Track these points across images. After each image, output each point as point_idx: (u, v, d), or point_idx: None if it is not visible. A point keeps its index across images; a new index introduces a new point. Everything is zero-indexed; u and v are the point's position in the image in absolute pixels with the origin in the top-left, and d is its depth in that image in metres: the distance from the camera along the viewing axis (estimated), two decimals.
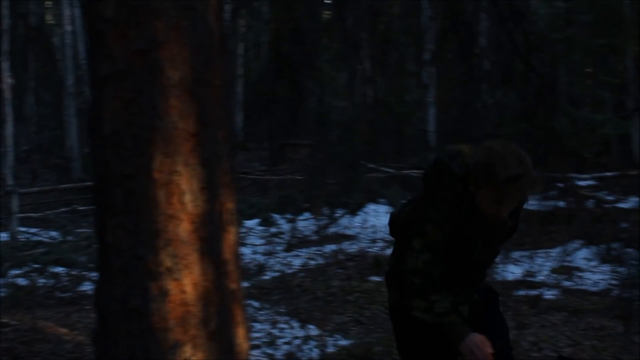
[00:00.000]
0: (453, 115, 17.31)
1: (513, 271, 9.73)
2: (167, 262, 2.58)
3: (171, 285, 2.59)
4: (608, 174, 14.47)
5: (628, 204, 12.70)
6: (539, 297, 8.56)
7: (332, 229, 12.56)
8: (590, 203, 12.60)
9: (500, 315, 4.09)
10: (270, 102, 19.83)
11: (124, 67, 2.57)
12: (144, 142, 2.56)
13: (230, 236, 2.81)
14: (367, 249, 11.21)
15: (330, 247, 11.27)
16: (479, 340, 3.55)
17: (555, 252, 10.57)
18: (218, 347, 2.68)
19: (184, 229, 2.60)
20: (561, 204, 12.51)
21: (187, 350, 2.61)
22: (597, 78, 12.98)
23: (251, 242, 11.83)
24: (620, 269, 9.36)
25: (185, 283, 2.60)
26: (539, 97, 7.14)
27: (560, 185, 12.95)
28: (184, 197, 2.59)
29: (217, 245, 2.71)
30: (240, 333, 2.80)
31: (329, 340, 7.40)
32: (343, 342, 7.37)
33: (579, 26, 13.23)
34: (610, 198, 13.28)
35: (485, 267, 3.92)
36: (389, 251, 11.06)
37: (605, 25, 13.38)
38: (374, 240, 11.78)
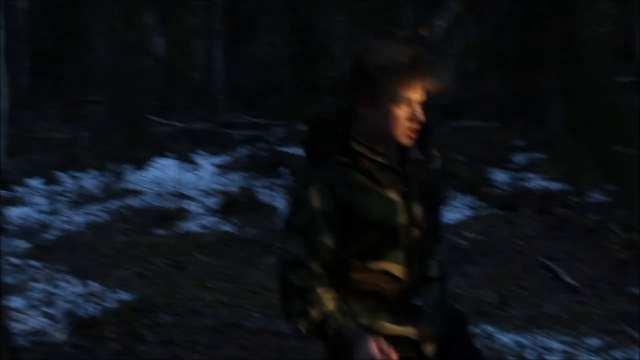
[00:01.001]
0: (240, 68, 17.25)
1: None
2: None
3: None
4: None
5: None
6: None
7: (118, 185, 12.27)
8: None
9: (471, 344, 2.85)
10: (55, 59, 19.06)
11: None
12: None
13: None
14: (153, 203, 11.04)
15: (116, 203, 11.02)
16: (376, 346, 2.39)
17: None
18: None
19: None
20: None
21: None
22: (378, 28, 13.29)
23: (36, 201, 11.36)
24: None
25: None
26: (305, 46, 7.20)
27: None
28: None
29: None
30: None
31: (111, 296, 7.24)
32: (125, 297, 7.24)
33: None
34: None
35: (425, 250, 2.64)
36: (173, 205, 11.04)
37: None
38: (160, 195, 11.61)
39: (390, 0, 14.18)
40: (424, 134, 2.64)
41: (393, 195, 2.58)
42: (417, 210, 2.60)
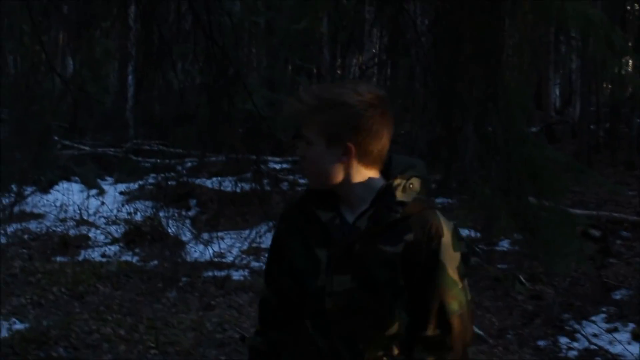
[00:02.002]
0: (152, 94, 16.99)
1: (202, 252, 9.67)
2: None
3: None
4: None
5: None
6: (226, 278, 8.55)
7: (19, 207, 11.86)
8: (283, 185, 12.87)
9: None
10: None
11: None
12: None
13: None
14: (54, 229, 10.71)
15: (15, 226, 10.65)
16: None
17: (246, 233, 10.65)
18: None
19: None
20: (255, 185, 12.64)
21: None
22: (295, 63, 13.26)
23: None
24: None
25: None
26: (221, 75, 7.05)
27: (256, 167, 13.09)
28: None
29: None
30: None
31: (4, 324, 6.92)
32: (19, 326, 6.93)
33: (278, 10, 13.45)
34: (303, 181, 13.63)
35: (352, 331, 2.17)
36: (74, 231, 10.72)
37: (303, 10, 13.68)
38: (63, 220, 11.28)
39: (309, 38, 14.20)
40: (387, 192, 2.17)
41: (320, 253, 2.21)
42: (338, 281, 2.18)
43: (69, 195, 12.74)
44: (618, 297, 8.12)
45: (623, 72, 7.01)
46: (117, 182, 14.34)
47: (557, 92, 20.44)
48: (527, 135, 6.36)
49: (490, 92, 5.71)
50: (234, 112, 11.36)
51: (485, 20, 6.35)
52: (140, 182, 13.94)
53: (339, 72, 15.90)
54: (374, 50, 16.18)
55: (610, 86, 22.11)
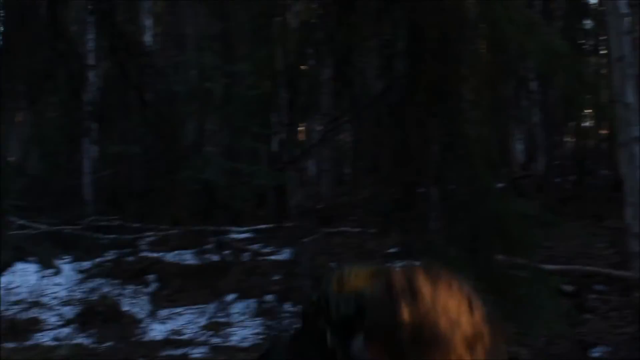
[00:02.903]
0: (110, 169, 16.64)
1: (160, 330, 9.19)
2: None
3: None
4: (263, 226, 14.46)
5: (282, 255, 12.71)
6: (185, 357, 8.08)
7: None
8: (245, 256, 12.47)
9: None
10: None
11: None
12: None
13: None
14: (4, 313, 10.17)
15: None
16: None
17: (207, 307, 10.20)
18: None
19: None
20: (217, 257, 12.26)
21: None
22: (252, 129, 12.99)
23: None
24: (269, 323, 9.14)
25: None
26: (174, 146, 6.76)
27: (216, 238, 12.74)
28: None
29: None
30: None
31: None
32: None
33: (234, 77, 13.22)
34: (266, 250, 13.24)
35: None
36: (25, 314, 10.20)
37: (260, 76, 13.52)
38: (15, 302, 10.74)
39: (264, 103, 13.96)
40: None
41: None
42: None
43: (23, 276, 12.22)
44: (597, 354, 7.75)
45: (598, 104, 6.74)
46: (75, 260, 13.85)
47: (521, 147, 20.32)
48: (492, 189, 6.04)
49: (448, 142, 5.40)
50: (190, 183, 11.06)
51: (442, 76, 6.11)
52: (99, 259, 13.46)
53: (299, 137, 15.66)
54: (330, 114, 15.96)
55: (574, 139, 22.12)
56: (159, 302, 10.81)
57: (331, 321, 1.88)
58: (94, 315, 9.87)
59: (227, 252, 12.55)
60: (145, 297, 10.96)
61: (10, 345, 8.92)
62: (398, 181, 6.75)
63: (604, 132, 21.00)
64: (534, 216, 6.25)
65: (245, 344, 8.82)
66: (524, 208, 6.27)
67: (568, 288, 9.40)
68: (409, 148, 5.92)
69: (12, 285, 11.85)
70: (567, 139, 22.32)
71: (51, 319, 10.05)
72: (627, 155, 9.62)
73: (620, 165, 10.28)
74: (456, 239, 6.03)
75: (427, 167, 5.91)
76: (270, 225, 14.50)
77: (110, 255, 13.51)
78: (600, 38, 20.58)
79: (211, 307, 10.18)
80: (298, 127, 16.13)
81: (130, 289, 11.19)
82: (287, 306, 9.71)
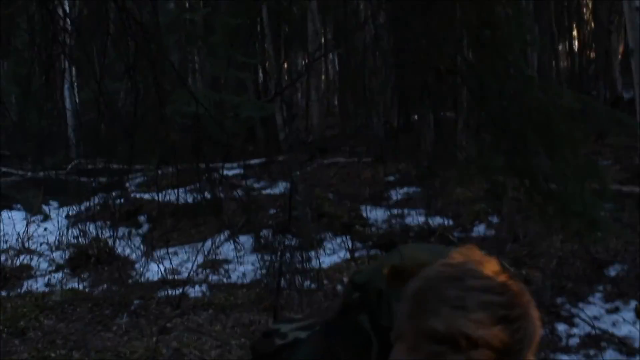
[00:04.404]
0: (93, 109, 16.12)
1: (155, 270, 8.84)
2: None
3: None
4: (255, 161, 14.06)
5: (277, 189, 12.36)
6: (183, 297, 7.73)
7: None
8: (238, 192, 12.08)
9: None
10: None
11: None
12: None
13: None
14: None
15: None
16: None
17: (202, 245, 9.84)
18: None
19: None
20: (209, 195, 11.87)
21: None
22: (236, 59, 12.46)
23: None
24: (268, 257, 8.78)
25: None
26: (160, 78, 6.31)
27: (208, 175, 12.33)
28: None
29: None
30: None
31: None
32: None
33: (215, 7, 12.70)
34: (259, 185, 12.88)
35: None
36: (15, 262, 9.82)
37: (241, 4, 12.96)
38: (4, 250, 10.37)
39: (249, 33, 13.43)
40: None
41: None
42: None
43: (10, 224, 11.83)
44: (613, 273, 7.44)
45: None
46: (62, 205, 13.47)
47: None
48: (532, 78, 5.39)
49: (483, 19, 4.80)
50: (176, 117, 10.61)
51: None
52: (87, 204, 13.07)
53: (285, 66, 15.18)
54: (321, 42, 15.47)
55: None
56: (152, 242, 10.46)
57: (381, 321, 1.51)
58: (86, 259, 9.52)
59: (219, 188, 12.17)
60: (138, 239, 10.62)
61: (2, 293, 8.58)
62: (422, 69, 6.07)
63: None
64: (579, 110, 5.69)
65: (245, 281, 8.49)
66: (571, 99, 5.72)
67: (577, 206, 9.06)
68: (433, 34, 5.32)
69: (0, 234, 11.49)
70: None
71: (42, 265, 9.70)
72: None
73: None
74: (491, 141, 5.52)
75: (454, 53, 5.31)
76: (262, 160, 14.11)
77: (98, 199, 13.11)
78: None
79: (207, 245, 9.84)
80: (284, 57, 15.62)
81: (121, 231, 10.82)
82: (285, 240, 9.38)
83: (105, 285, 8.56)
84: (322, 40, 16.18)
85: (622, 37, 16.60)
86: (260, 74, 15.50)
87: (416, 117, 11.96)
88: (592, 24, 19.61)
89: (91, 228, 11.12)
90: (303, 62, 16.89)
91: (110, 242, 10.16)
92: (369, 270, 1.62)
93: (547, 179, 5.02)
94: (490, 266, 1.27)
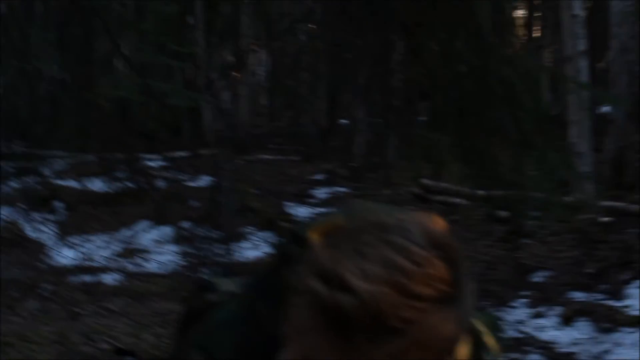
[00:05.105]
0: (11, 89, 15.63)
1: (69, 256, 8.50)
2: None
3: None
4: (180, 153, 13.74)
5: (200, 182, 12.11)
6: (97, 283, 7.42)
7: None
8: (160, 182, 11.78)
9: None
10: None
11: None
12: None
13: None
14: None
15: None
16: None
17: (121, 234, 9.54)
18: None
19: None
20: (130, 184, 11.54)
21: None
22: (167, 46, 12.15)
23: None
24: (188, 249, 8.53)
25: None
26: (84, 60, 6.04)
27: (129, 166, 12.00)
28: None
29: None
30: None
31: None
32: None
33: None
34: (181, 177, 12.57)
35: None
36: None
37: None
38: None
39: (180, 21, 13.11)
40: None
41: None
42: None
43: None
44: (538, 279, 7.40)
45: None
46: None
47: None
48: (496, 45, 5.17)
49: None
50: (101, 101, 10.26)
51: None
52: (1, 187, 12.61)
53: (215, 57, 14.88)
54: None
55: None
56: (67, 229, 10.10)
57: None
58: None
59: (141, 178, 11.85)
60: (52, 224, 10.23)
61: None
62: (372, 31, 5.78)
63: None
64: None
65: (163, 271, 8.23)
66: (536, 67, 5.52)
67: (503, 213, 9.01)
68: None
69: None
70: None
71: None
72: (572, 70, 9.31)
73: None
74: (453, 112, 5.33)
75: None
76: (187, 153, 13.81)
77: (12, 183, 12.65)
78: None
79: (126, 233, 9.54)
80: (215, 49, 15.35)
81: (35, 216, 10.40)
82: (206, 232, 9.13)
83: (15, 269, 8.19)
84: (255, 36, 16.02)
85: None
86: (191, 65, 15.21)
87: (347, 120, 11.85)
88: None
89: (5, 212, 10.72)
90: (234, 57, 16.64)
91: (21, 226, 9.80)
92: (312, 225, 1.41)
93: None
94: (434, 236, 1.08)
